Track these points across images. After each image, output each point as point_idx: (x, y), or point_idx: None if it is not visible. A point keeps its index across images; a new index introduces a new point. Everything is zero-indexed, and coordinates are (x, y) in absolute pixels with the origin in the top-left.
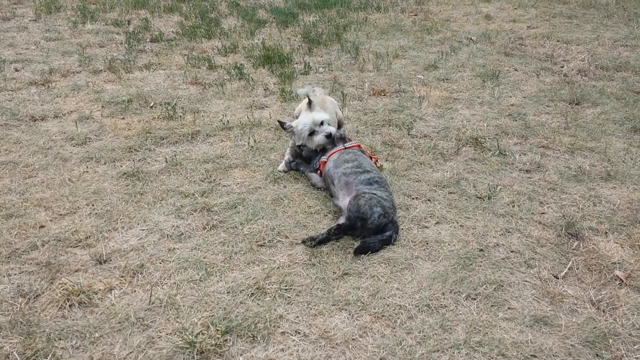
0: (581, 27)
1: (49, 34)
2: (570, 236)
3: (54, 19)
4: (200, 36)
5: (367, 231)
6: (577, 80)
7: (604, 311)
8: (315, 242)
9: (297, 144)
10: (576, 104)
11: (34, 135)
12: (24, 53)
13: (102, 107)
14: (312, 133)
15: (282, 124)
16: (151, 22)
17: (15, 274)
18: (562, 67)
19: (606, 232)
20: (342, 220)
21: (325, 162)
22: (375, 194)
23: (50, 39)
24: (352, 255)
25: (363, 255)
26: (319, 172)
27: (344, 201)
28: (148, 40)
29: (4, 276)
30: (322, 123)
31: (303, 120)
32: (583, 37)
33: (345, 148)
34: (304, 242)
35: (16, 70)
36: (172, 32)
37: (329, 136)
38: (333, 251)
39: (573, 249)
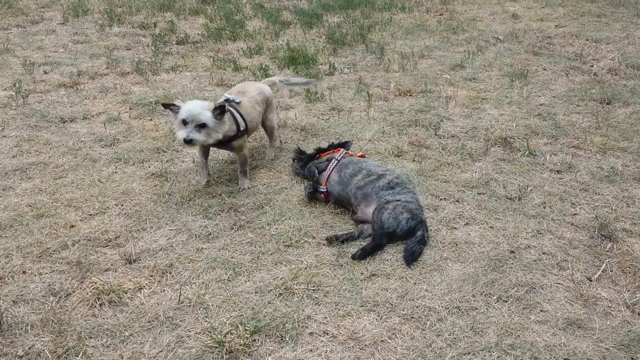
0: (610, 25)
1: (77, 37)
2: (603, 238)
3: (82, 22)
4: (226, 38)
5: (400, 238)
6: (607, 80)
7: (639, 314)
8: (339, 241)
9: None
10: (607, 104)
11: (64, 137)
12: (53, 56)
13: (130, 108)
14: (185, 123)
15: (166, 105)
16: (177, 24)
17: (47, 273)
18: (592, 66)
19: None
20: (367, 232)
21: (326, 192)
22: (399, 200)
23: (78, 42)
24: (405, 265)
25: (390, 258)
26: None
27: (366, 210)
28: (174, 42)
29: (36, 275)
30: (204, 125)
31: (191, 105)
32: (612, 36)
33: (338, 161)
34: (328, 240)
35: (45, 73)
36: (198, 34)
37: (188, 141)
38: None
39: (606, 251)
